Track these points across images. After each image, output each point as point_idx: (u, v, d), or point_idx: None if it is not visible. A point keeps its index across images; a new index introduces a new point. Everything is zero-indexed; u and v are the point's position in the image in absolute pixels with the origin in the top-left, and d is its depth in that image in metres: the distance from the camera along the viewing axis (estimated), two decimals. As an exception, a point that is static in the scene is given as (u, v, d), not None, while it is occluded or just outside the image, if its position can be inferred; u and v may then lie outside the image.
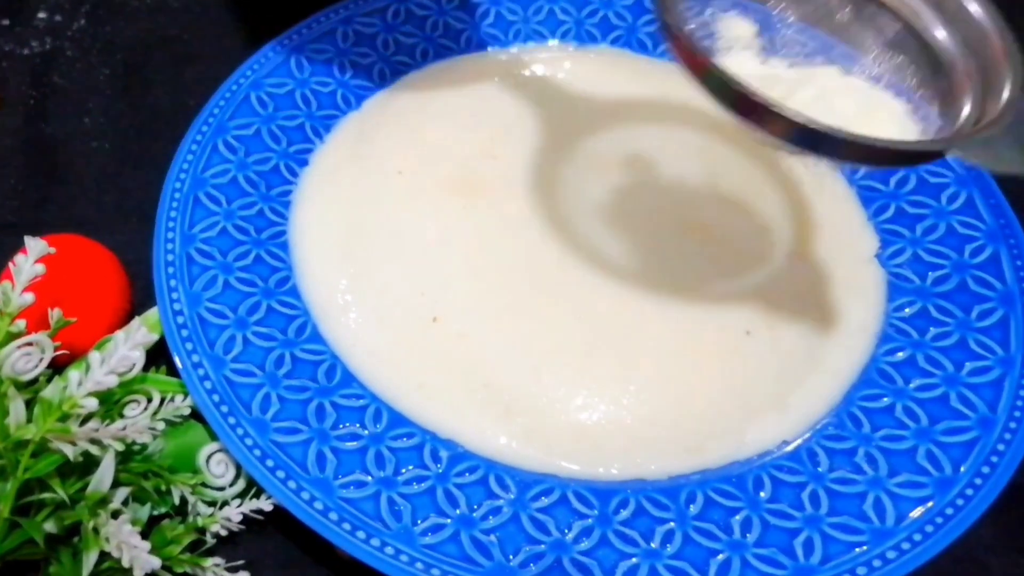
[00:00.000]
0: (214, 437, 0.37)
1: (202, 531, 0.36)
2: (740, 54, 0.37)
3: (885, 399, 0.40)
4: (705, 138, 0.50)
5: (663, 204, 0.47)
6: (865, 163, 0.34)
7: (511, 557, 0.35)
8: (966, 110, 0.33)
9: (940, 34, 0.35)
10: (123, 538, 0.32)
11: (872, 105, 0.35)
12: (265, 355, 0.39)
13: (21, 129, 0.52)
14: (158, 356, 0.40)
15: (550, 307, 0.42)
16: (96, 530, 0.33)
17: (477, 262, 0.44)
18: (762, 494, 0.37)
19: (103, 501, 0.34)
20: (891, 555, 0.35)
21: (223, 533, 0.37)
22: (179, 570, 0.35)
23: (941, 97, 0.35)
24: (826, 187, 0.48)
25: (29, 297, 0.35)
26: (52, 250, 0.36)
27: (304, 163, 0.47)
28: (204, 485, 0.37)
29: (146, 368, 0.38)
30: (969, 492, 0.36)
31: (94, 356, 0.33)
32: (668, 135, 0.50)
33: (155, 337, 0.36)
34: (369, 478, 0.36)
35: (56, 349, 0.36)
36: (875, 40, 0.37)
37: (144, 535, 0.34)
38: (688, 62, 0.33)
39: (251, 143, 0.46)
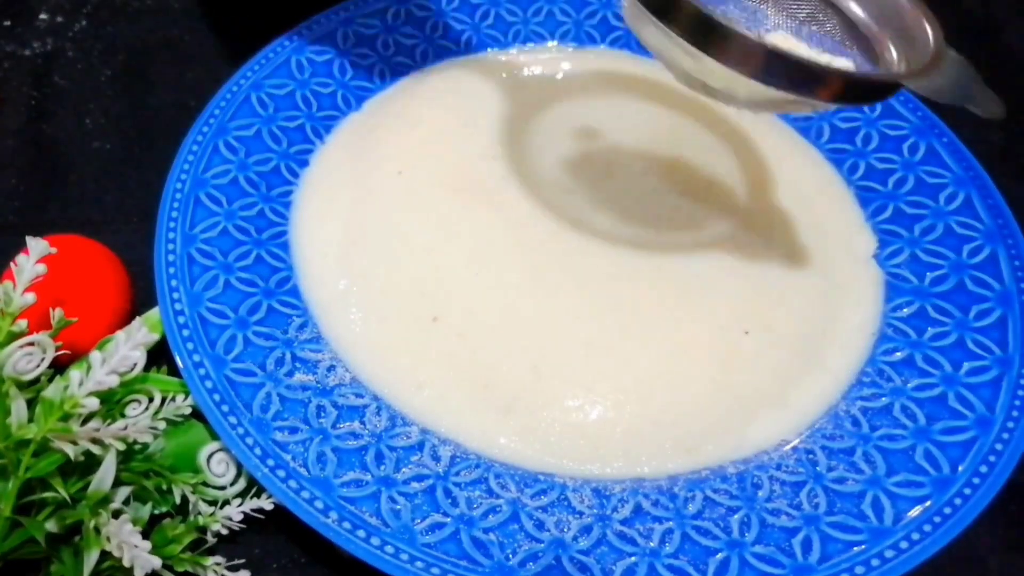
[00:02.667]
0: (215, 436, 0.37)
1: (203, 530, 0.36)
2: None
3: (883, 399, 0.40)
4: (704, 139, 0.50)
5: (661, 205, 0.47)
6: (835, 99, 0.36)
7: (510, 556, 0.35)
8: (894, 62, 0.39)
9: (855, 8, 0.41)
10: (124, 537, 0.33)
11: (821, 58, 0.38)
12: (266, 355, 0.39)
13: (22, 129, 0.52)
14: (159, 356, 0.40)
15: (549, 307, 0.43)
16: (97, 529, 0.33)
17: (477, 262, 0.44)
18: (760, 493, 0.37)
19: (104, 500, 0.34)
20: (889, 554, 0.35)
21: (224, 532, 0.37)
22: (180, 569, 0.35)
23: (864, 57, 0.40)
24: (825, 188, 0.48)
25: (30, 297, 0.35)
26: (53, 250, 0.36)
27: (304, 164, 0.47)
28: (205, 484, 0.37)
29: (147, 368, 0.38)
30: (967, 491, 0.36)
31: (95, 356, 0.34)
32: (668, 137, 0.50)
33: (156, 337, 0.36)
34: (369, 477, 0.36)
35: (57, 349, 0.36)
36: (803, 13, 0.41)
37: (145, 534, 0.34)
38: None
39: (252, 144, 0.47)
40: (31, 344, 0.35)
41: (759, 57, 0.34)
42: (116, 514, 0.34)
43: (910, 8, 0.39)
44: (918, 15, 0.39)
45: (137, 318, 0.41)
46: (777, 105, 0.37)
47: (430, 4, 0.54)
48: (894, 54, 0.39)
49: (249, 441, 0.36)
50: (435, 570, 0.34)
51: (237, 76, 0.49)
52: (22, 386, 0.35)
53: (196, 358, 0.38)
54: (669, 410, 0.40)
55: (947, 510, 0.36)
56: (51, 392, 0.34)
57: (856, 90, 0.36)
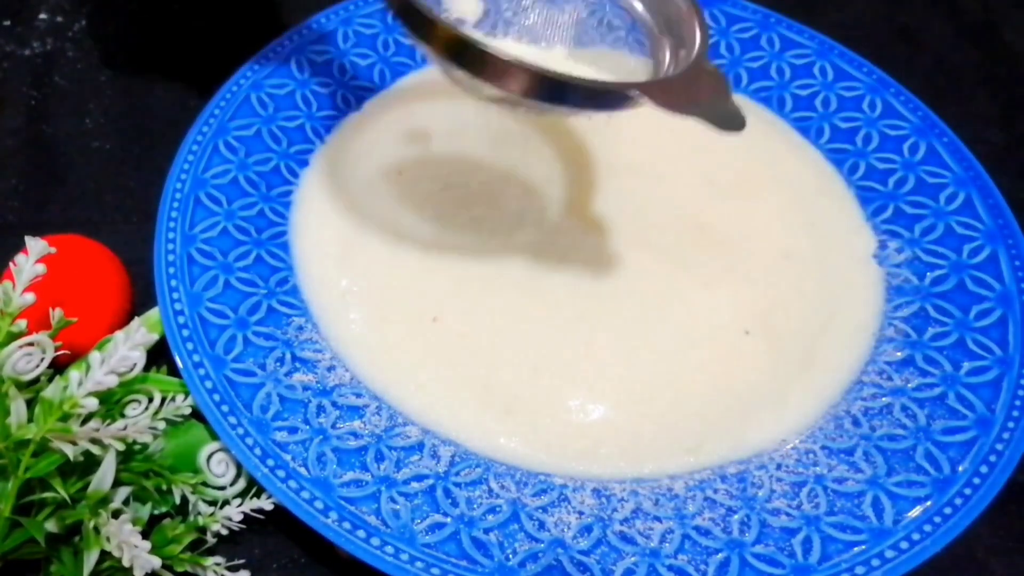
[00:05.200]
0: (215, 436, 0.37)
1: (203, 530, 0.36)
2: (466, 30, 0.40)
3: (884, 399, 0.40)
4: (704, 139, 0.50)
5: (662, 205, 0.47)
6: (564, 103, 0.36)
7: (511, 556, 0.35)
8: (665, 64, 0.39)
9: (638, 5, 0.42)
10: (124, 537, 0.32)
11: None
12: (265, 355, 0.39)
13: (22, 129, 0.52)
14: (159, 356, 0.40)
15: (550, 307, 0.43)
16: (97, 529, 0.33)
17: (477, 262, 0.44)
18: (760, 493, 0.37)
19: (104, 500, 0.34)
20: (890, 554, 0.35)
21: (224, 532, 0.37)
22: (180, 569, 0.35)
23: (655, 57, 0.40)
24: (825, 187, 0.48)
25: (30, 297, 0.35)
26: (53, 250, 0.36)
27: (304, 164, 0.47)
28: (205, 484, 0.37)
29: (147, 368, 0.38)
30: (967, 491, 0.36)
31: (94, 356, 0.33)
32: (667, 136, 0.50)
33: (155, 337, 0.36)
34: (369, 477, 0.36)
35: (57, 349, 0.36)
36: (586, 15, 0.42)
37: (145, 534, 0.34)
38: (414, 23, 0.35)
39: (251, 144, 0.47)
40: (31, 344, 0.35)
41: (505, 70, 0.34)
42: (116, 514, 0.34)
43: (686, 10, 0.38)
44: (692, 19, 0.38)
45: (136, 318, 0.41)
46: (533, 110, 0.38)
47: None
48: (667, 57, 0.39)
49: (249, 441, 0.36)
50: (435, 570, 0.34)
51: (237, 76, 0.49)
52: (22, 386, 0.35)
53: (196, 358, 0.38)
54: (669, 410, 0.40)
55: (947, 510, 0.36)
56: (50, 392, 0.34)
57: (587, 97, 0.36)
